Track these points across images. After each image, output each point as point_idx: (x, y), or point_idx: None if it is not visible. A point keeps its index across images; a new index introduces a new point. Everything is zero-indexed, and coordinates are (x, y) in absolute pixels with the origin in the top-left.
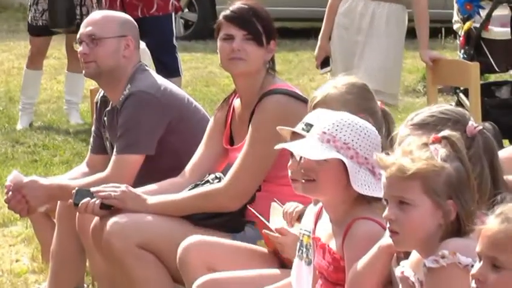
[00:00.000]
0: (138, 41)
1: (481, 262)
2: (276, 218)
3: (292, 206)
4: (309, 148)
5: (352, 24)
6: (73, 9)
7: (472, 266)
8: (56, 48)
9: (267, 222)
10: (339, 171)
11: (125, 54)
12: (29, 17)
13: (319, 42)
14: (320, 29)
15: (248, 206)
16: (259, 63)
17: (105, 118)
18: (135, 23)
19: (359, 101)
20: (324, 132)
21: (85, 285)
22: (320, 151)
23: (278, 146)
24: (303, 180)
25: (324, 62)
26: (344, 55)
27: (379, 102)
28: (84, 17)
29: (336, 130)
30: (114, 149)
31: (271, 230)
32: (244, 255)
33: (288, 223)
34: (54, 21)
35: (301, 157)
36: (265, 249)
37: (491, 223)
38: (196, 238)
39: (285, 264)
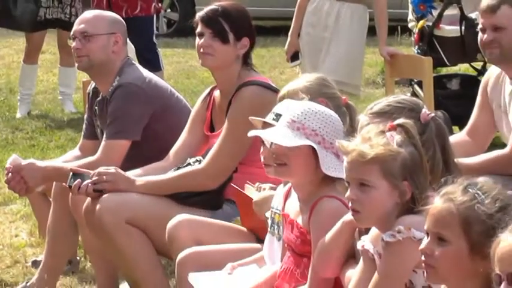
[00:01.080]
0: (126, 38)
1: (428, 238)
2: (251, 194)
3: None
4: (281, 136)
5: (319, 22)
6: (32, 13)
7: None
8: (52, 44)
9: (245, 192)
10: (308, 156)
11: (114, 49)
12: None
13: (289, 39)
14: (290, 27)
15: (231, 184)
16: (228, 58)
17: (96, 107)
18: (123, 22)
19: (317, 87)
20: (294, 121)
21: (78, 258)
22: (292, 138)
23: (251, 134)
24: (275, 164)
25: (294, 57)
26: (312, 50)
27: (344, 97)
28: (73, 17)
29: (305, 118)
30: (104, 135)
31: (249, 201)
32: (225, 232)
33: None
34: None
35: (271, 143)
36: (241, 227)
37: (436, 202)
38: (183, 216)
39: (260, 240)
